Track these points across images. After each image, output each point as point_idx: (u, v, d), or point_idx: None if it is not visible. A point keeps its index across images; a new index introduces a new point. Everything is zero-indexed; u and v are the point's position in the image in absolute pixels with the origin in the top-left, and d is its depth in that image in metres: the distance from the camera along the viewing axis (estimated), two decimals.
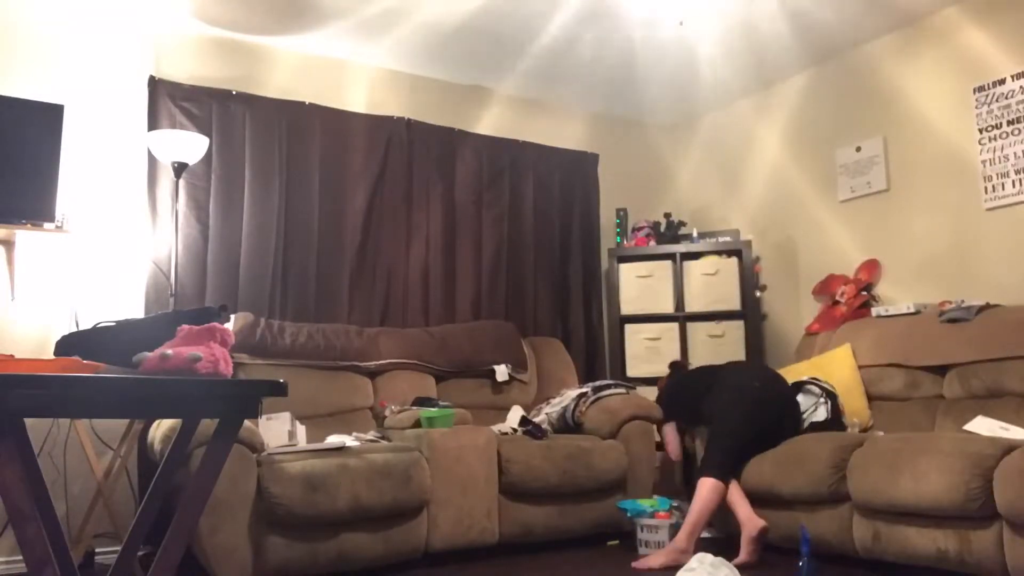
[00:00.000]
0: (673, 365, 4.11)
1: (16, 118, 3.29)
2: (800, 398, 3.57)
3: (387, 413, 3.65)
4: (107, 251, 3.67)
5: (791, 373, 3.82)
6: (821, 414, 3.46)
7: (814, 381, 3.58)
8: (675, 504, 3.47)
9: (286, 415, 3.21)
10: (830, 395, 3.51)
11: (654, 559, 3.05)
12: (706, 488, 3.16)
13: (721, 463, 3.23)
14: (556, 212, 4.93)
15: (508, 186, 4.76)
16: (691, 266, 4.61)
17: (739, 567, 2.91)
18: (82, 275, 3.58)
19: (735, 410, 3.37)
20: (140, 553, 3.04)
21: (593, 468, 3.54)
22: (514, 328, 4.41)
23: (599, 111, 5.25)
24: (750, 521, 3.11)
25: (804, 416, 3.51)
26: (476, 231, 4.63)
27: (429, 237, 4.46)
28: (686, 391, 3.75)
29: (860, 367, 3.76)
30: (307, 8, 3.86)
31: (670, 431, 3.81)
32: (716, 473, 3.19)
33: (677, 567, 2.86)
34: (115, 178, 3.73)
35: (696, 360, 4.47)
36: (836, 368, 3.78)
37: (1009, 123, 3.66)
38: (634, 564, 3.06)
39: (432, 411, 3.41)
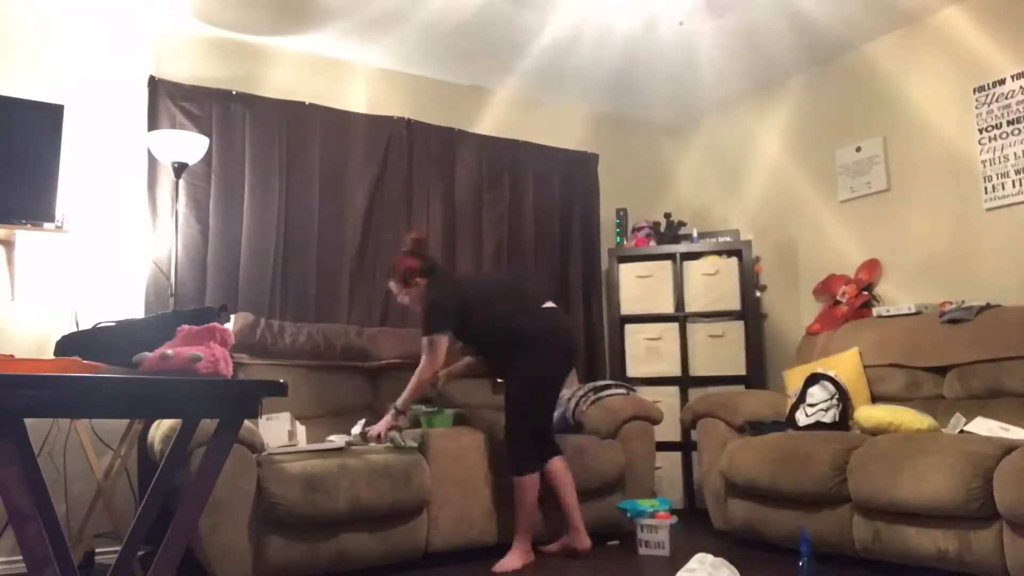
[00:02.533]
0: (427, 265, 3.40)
1: (16, 118, 3.29)
2: (815, 390, 3.56)
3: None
4: (107, 251, 3.66)
5: (799, 373, 3.80)
6: (829, 417, 3.43)
7: (834, 379, 3.54)
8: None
9: (286, 415, 3.21)
10: (843, 398, 3.47)
11: (511, 561, 3.12)
12: (521, 488, 3.19)
13: (527, 455, 3.21)
14: (556, 212, 4.93)
15: (508, 186, 4.76)
16: (691, 266, 4.61)
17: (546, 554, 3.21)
18: (82, 275, 3.58)
19: (534, 390, 3.27)
20: (140, 553, 3.04)
21: (593, 468, 3.54)
22: None
23: (599, 111, 5.25)
24: (580, 535, 3.28)
25: (814, 409, 3.49)
26: (476, 231, 4.63)
27: (429, 237, 4.46)
28: (459, 314, 3.28)
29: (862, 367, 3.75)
30: (307, 8, 3.86)
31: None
32: (525, 469, 3.19)
33: (529, 565, 3.08)
34: (115, 178, 3.73)
35: (696, 361, 4.47)
36: (842, 371, 3.76)
37: (1009, 123, 3.66)
38: (494, 568, 3.09)
39: (432, 411, 3.41)
